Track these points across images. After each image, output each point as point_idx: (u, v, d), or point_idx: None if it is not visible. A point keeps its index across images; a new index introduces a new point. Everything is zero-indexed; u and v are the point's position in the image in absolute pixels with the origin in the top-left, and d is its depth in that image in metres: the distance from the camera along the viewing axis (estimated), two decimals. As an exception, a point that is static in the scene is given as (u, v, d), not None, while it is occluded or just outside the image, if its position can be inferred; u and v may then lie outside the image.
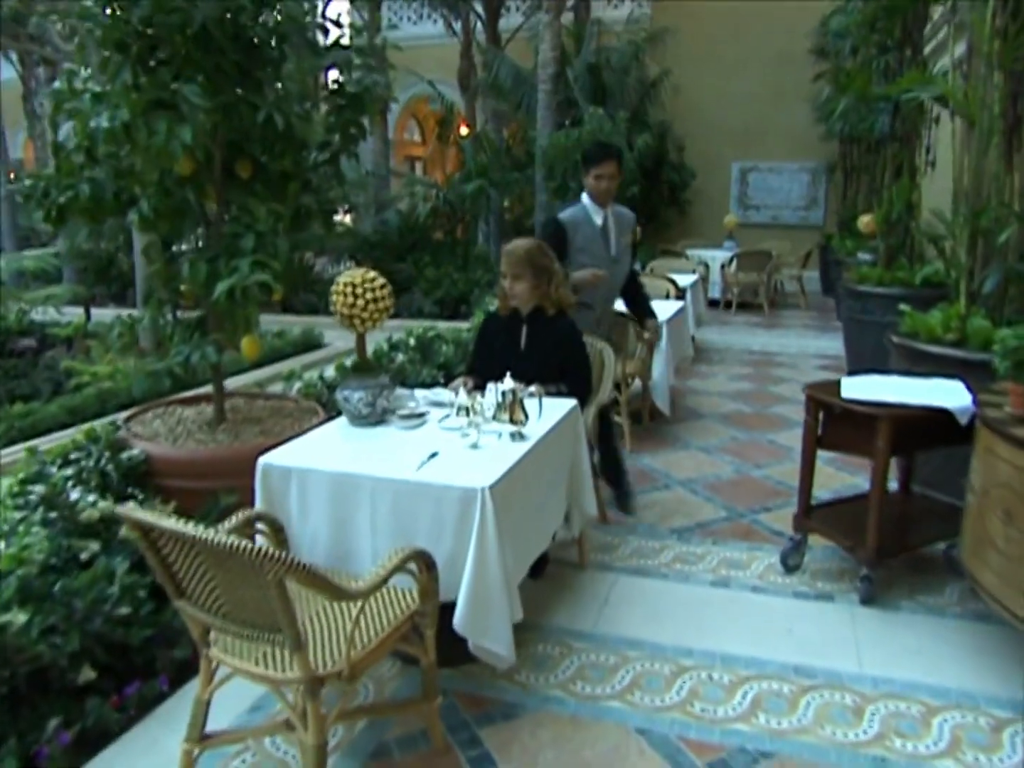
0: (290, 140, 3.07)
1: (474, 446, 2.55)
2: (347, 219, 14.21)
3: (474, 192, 11.27)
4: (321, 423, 3.11)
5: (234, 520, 2.28)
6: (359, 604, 1.91)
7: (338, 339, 8.29)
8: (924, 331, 4.10)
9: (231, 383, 6.81)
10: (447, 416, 2.85)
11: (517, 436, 2.63)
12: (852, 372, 6.39)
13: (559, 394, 3.17)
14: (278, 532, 2.43)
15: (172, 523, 1.71)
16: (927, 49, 7.08)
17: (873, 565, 3.11)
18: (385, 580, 1.97)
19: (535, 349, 3.29)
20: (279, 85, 3.11)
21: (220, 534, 1.66)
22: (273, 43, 3.06)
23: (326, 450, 2.62)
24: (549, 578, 3.34)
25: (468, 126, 15.30)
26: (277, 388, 4.59)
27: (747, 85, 13.57)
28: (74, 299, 9.43)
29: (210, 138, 3.01)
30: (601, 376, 3.61)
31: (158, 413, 3.68)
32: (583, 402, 3.29)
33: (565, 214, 3.97)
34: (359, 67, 3.28)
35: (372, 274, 2.69)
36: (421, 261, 11.79)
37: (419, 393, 3.16)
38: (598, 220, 3.95)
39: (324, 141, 3.44)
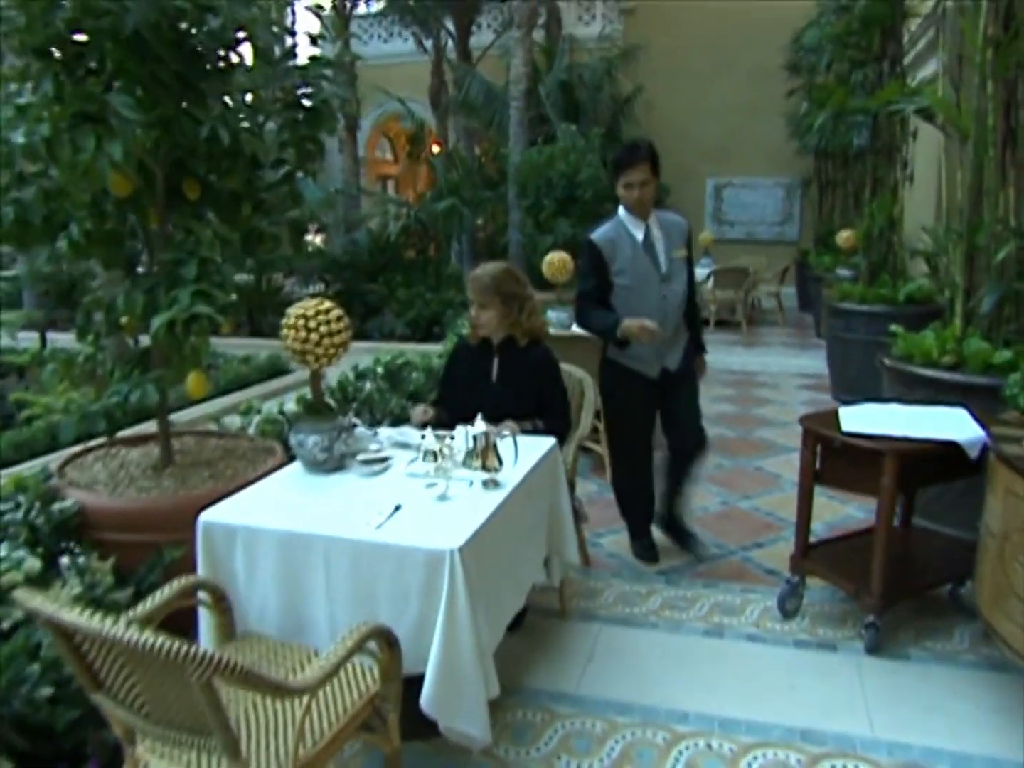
0: (238, 157, 2.80)
1: (442, 497, 2.28)
2: (318, 239, 13.92)
3: (446, 210, 11.03)
4: (276, 468, 2.83)
5: (167, 592, 1.98)
6: (306, 700, 1.63)
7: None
8: (918, 353, 3.90)
9: (189, 414, 6.49)
10: (414, 460, 2.57)
11: (490, 484, 2.36)
12: (843, 397, 6.20)
13: (535, 431, 2.91)
14: (220, 601, 2.14)
15: (74, 617, 1.42)
16: (905, 61, 6.97)
17: (880, 612, 2.87)
18: (338, 668, 1.69)
19: (508, 381, 3.03)
20: (227, 98, 2.84)
21: (133, 630, 1.37)
22: (221, 52, 2.79)
23: (276, 503, 2.33)
24: (527, 630, 3.07)
25: (439, 144, 15.10)
26: (237, 421, 4.28)
27: (721, 101, 13.49)
28: (30, 324, 9.03)
29: (150, 155, 2.73)
30: (581, 408, 3.35)
31: (100, 455, 3.36)
32: (562, 439, 3.03)
33: (598, 233, 3.38)
34: (316, 78, 3.01)
35: (327, 305, 2.42)
36: (393, 281, 11.51)
37: (383, 432, 2.88)
38: (638, 234, 3.35)
39: (278, 159, 3.17)
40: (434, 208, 11.23)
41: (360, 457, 2.56)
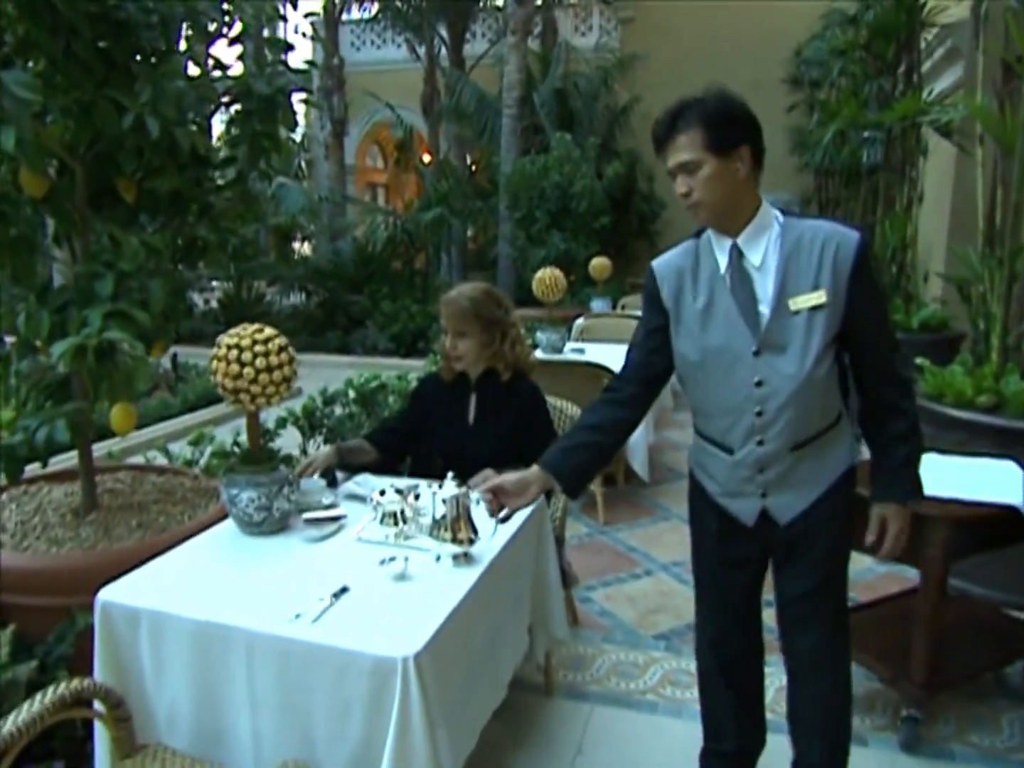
0: (175, 153, 2.36)
1: (401, 577, 1.83)
2: (306, 247, 13.49)
3: (434, 220, 10.61)
4: (215, 519, 2.38)
5: (37, 705, 1.53)
6: None
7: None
8: (950, 392, 3.48)
9: (144, 435, 6.04)
10: (371, 520, 2.12)
11: (461, 560, 1.91)
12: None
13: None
14: (116, 708, 1.69)
15: None
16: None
17: (922, 703, 2.44)
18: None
19: (487, 423, 2.59)
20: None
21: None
22: (157, 28, 2.36)
23: (194, 578, 1.88)
24: (504, 710, 2.61)
25: (430, 153, 14.71)
26: (187, 451, 3.82)
27: (719, 115, 13.13)
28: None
29: (65, 148, 2.29)
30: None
31: (15, 495, 2.90)
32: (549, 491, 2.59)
33: (662, 259, 1.89)
34: (270, 64, 2.59)
35: (267, 332, 1.98)
36: (377, 293, 11.07)
37: (327, 496, 2.40)
38: (722, 259, 1.77)
39: (228, 156, 2.74)
40: (422, 218, 10.82)
41: (306, 516, 2.11)
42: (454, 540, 1.88)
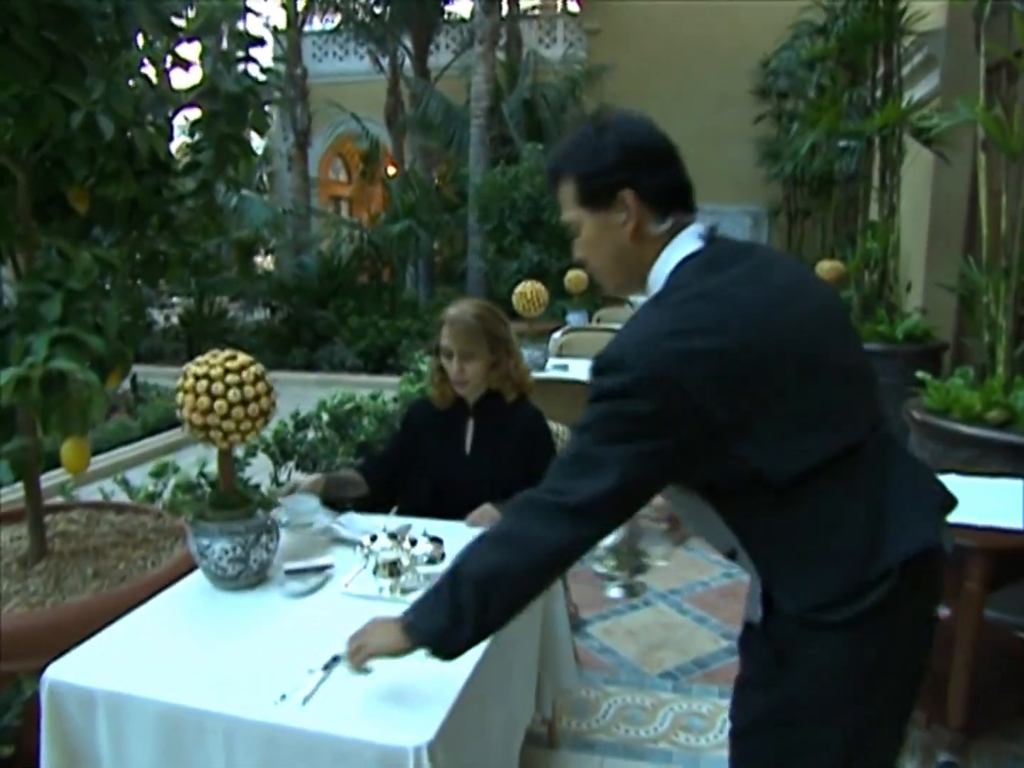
0: (129, 158, 2.11)
1: (403, 641, 1.59)
2: (268, 261, 13.12)
3: (401, 233, 10.36)
4: (181, 567, 2.12)
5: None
6: None
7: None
8: (958, 408, 3.33)
9: (98, 462, 5.69)
10: (362, 569, 1.88)
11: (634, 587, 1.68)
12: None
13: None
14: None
15: None
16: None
17: (960, 748, 2.25)
18: None
19: (486, 452, 2.36)
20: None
21: None
22: (111, 18, 2.11)
23: (161, 648, 1.61)
24: None
25: (395, 165, 14.46)
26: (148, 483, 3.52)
27: (686, 126, 12.95)
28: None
29: (5, 150, 2.03)
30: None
31: (-45, 540, 2.60)
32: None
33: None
34: (238, 60, 2.34)
35: (240, 360, 1.73)
36: (344, 308, 10.77)
37: (321, 519, 2.18)
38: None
39: (191, 162, 2.49)
40: (389, 231, 10.56)
41: (288, 567, 1.86)
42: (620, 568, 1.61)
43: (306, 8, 13.74)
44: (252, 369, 1.72)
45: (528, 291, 4.73)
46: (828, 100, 6.21)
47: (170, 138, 2.48)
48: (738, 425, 1.14)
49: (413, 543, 1.82)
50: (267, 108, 2.45)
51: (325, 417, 4.24)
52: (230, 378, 1.67)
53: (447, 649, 1.28)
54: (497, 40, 11.06)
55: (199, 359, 1.72)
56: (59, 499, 3.10)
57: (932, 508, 1.29)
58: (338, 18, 15.20)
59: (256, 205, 10.07)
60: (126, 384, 7.34)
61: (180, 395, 1.70)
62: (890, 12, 5.84)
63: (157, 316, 11.63)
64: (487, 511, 2.16)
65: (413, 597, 1.71)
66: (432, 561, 1.79)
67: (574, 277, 7.14)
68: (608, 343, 1.21)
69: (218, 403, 1.66)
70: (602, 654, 3.13)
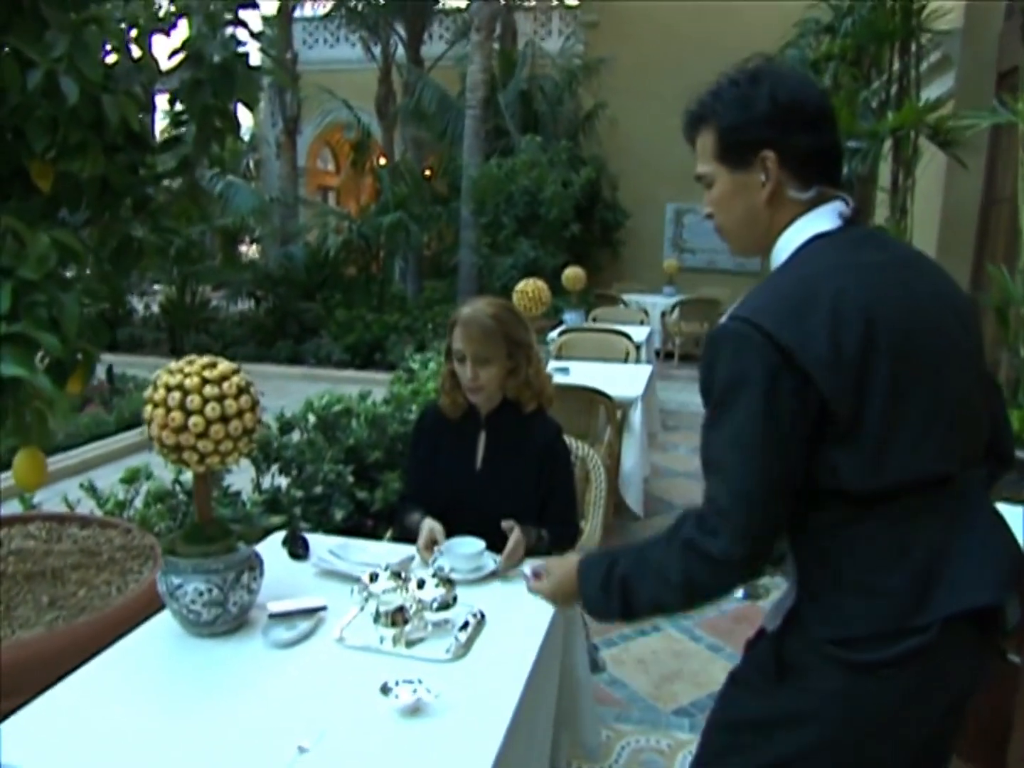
0: (98, 128, 1.83)
1: (413, 711, 1.32)
2: (253, 250, 12.77)
3: (392, 225, 10.06)
4: (149, 599, 1.84)
5: None
6: None
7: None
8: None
9: (68, 457, 5.39)
10: (358, 614, 1.61)
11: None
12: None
13: (539, 548, 1.99)
14: None
15: None
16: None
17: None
18: None
19: (498, 469, 2.09)
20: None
21: None
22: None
23: (116, 718, 1.34)
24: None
25: (385, 156, 14.14)
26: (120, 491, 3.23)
27: (684, 123, 12.87)
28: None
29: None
30: (590, 502, 2.44)
31: None
32: (565, 551, 2.12)
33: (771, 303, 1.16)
34: (226, 23, 2.07)
35: (221, 368, 1.45)
36: (331, 300, 10.46)
37: (489, 563, 1.87)
38: None
39: (171, 137, 2.21)
40: (379, 222, 10.25)
41: (272, 609, 1.59)
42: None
43: (297, -9, 13.41)
44: (235, 380, 1.45)
45: (530, 289, 4.48)
46: (842, 99, 5.97)
47: (151, 111, 2.21)
48: (845, 419, 1.05)
49: (421, 584, 1.56)
50: (259, 69, 2.16)
51: (312, 419, 3.96)
52: (208, 390, 1.40)
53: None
54: (494, 29, 10.76)
55: (172, 366, 1.45)
56: (17, 508, 2.81)
57: (1000, 570, 1.13)
58: (330, 4, 14.85)
59: (242, 192, 9.74)
60: (101, 375, 7.00)
61: (149, 409, 1.42)
62: (907, 8, 5.63)
63: (137, 304, 11.28)
64: (512, 535, 1.91)
65: (420, 650, 1.46)
66: (444, 607, 1.53)
67: (572, 275, 6.89)
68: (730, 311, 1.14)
69: (193, 420, 1.39)
70: (612, 687, 2.88)
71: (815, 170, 1.17)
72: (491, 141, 10.54)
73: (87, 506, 3.09)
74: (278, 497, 3.51)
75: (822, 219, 1.16)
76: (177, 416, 1.39)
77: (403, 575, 1.59)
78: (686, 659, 3.07)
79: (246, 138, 17.01)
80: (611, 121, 11.94)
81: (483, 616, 1.62)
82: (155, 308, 11.06)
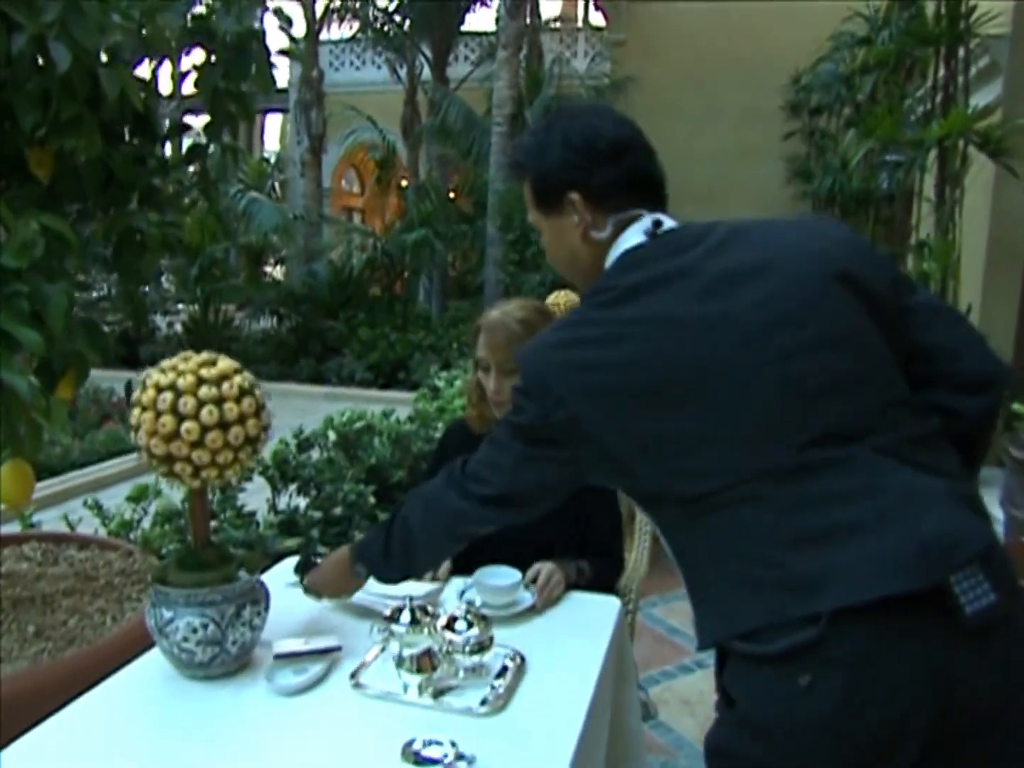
0: (95, 105, 1.65)
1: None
2: (277, 271, 12.69)
3: (417, 242, 9.92)
4: (142, 638, 1.62)
5: None
6: None
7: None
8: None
9: (78, 477, 5.23)
10: (382, 651, 1.39)
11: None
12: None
13: (580, 583, 1.75)
14: None
15: None
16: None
17: None
18: None
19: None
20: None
21: None
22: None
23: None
24: None
25: (407, 178, 14.07)
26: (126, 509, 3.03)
27: (713, 142, 12.68)
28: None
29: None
30: (634, 531, 2.20)
31: None
32: (610, 587, 1.89)
33: None
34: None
35: (221, 366, 1.25)
36: (354, 319, 10.32)
37: (526, 598, 1.65)
38: None
39: (180, 125, 2.03)
40: (404, 239, 10.12)
41: (278, 649, 1.37)
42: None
43: (324, 15, 13.43)
44: (236, 380, 1.24)
45: (561, 301, 4.24)
46: (885, 108, 5.75)
47: (155, 92, 2.03)
48: (627, 441, 1.07)
49: (451, 623, 1.33)
50: (283, 53, 1.98)
51: (332, 436, 3.75)
52: (204, 391, 1.19)
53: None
54: (521, 46, 10.66)
55: (164, 363, 1.25)
56: (16, 527, 2.63)
57: (905, 550, 0.96)
58: (357, 25, 14.89)
59: (266, 208, 9.65)
60: (120, 392, 6.87)
61: (136, 413, 1.22)
62: (955, 11, 5.40)
63: (160, 322, 11.21)
64: (549, 575, 1.68)
65: (450, 700, 1.23)
66: (479, 649, 1.30)
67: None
68: None
69: (187, 426, 1.18)
70: (656, 730, 2.62)
71: (626, 199, 1.18)
72: (517, 159, 10.41)
73: (92, 525, 2.91)
74: (295, 519, 3.30)
75: (627, 240, 1.17)
76: (168, 421, 1.18)
77: (431, 611, 1.37)
78: (735, 700, 2.81)
79: (271, 159, 17.10)
80: (638, 139, 11.78)
81: (523, 660, 1.38)
82: (178, 327, 10.99)
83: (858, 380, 1.04)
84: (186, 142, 2.10)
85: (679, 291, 1.07)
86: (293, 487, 3.58)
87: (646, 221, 1.16)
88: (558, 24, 16.88)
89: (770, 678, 0.99)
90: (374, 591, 1.60)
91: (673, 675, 2.97)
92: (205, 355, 1.25)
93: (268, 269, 12.20)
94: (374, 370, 9.28)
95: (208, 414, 1.18)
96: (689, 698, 2.82)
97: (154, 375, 1.23)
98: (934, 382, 1.13)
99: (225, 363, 1.25)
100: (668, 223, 1.17)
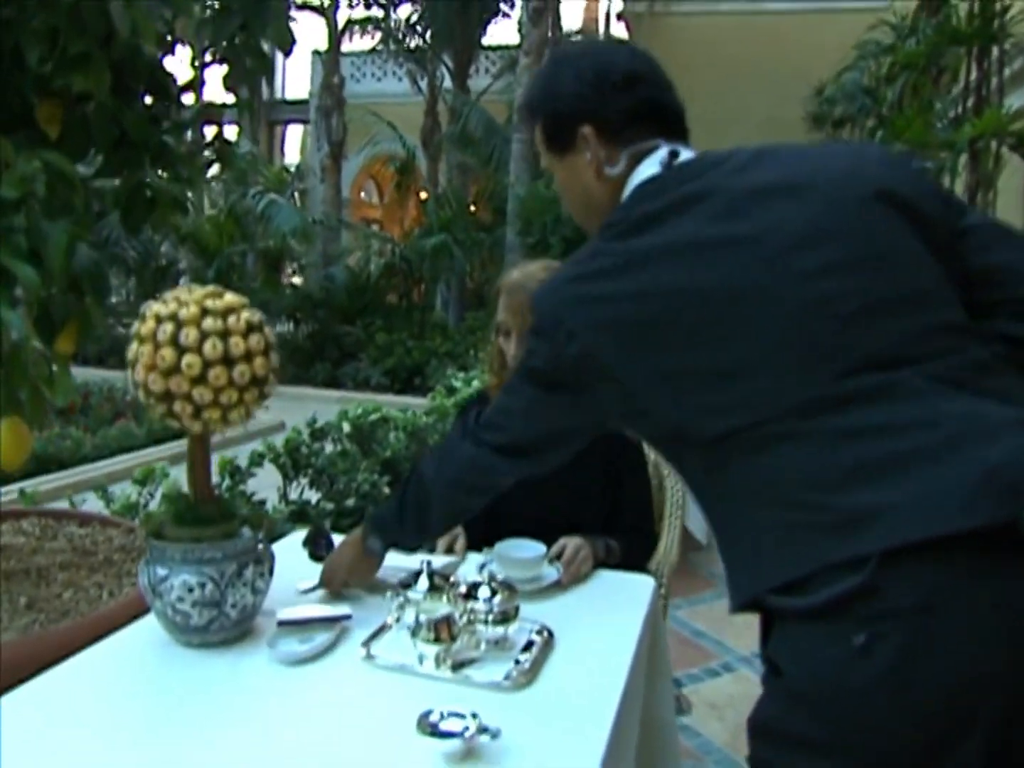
0: (104, 43, 1.56)
1: (466, 756, 0.97)
2: (295, 279, 12.67)
3: (436, 247, 9.85)
4: (140, 615, 1.52)
5: None
6: None
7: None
8: None
9: (87, 471, 5.16)
10: (389, 627, 1.27)
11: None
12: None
13: (609, 561, 1.63)
14: None
15: None
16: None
17: None
18: None
19: (560, 469, 1.75)
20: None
21: None
22: None
23: (69, 745, 1.01)
24: None
25: (426, 190, 14.06)
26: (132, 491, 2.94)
27: (734, 152, 12.61)
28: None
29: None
30: (665, 514, 2.07)
31: None
32: (641, 568, 1.76)
33: None
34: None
35: (228, 299, 1.14)
36: (372, 325, 10.26)
37: (550, 574, 1.55)
38: None
39: (193, 79, 1.94)
40: (422, 245, 10.06)
41: (282, 616, 1.25)
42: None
43: (346, 26, 13.50)
44: (244, 314, 1.13)
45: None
46: (915, 109, 5.63)
47: (170, 50, 1.95)
48: (645, 376, 0.99)
49: (472, 590, 1.21)
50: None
51: (346, 428, 3.65)
52: (209, 323, 1.09)
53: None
54: (543, 54, 10.63)
55: (167, 295, 1.14)
56: (18, 503, 2.53)
57: (998, 484, 0.82)
58: (378, 36, 14.96)
59: (284, 211, 9.62)
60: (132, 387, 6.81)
61: (134, 346, 1.11)
62: (988, 10, 5.28)
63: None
64: (578, 550, 1.56)
65: (470, 673, 1.11)
66: (503, 620, 1.18)
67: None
68: None
69: (188, 359, 1.07)
70: (683, 733, 2.47)
71: (641, 130, 1.11)
72: (538, 166, 10.34)
73: (96, 509, 2.81)
74: (305, 509, 3.20)
75: (643, 172, 1.09)
76: (168, 354, 1.07)
77: (450, 578, 1.25)
78: (764, 705, 2.66)
79: (292, 168, 17.15)
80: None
81: (551, 635, 1.26)
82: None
83: (903, 301, 0.93)
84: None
85: (699, 213, 0.99)
86: (305, 480, 3.47)
87: (662, 152, 1.09)
88: (579, 37, 16.90)
89: (819, 639, 0.86)
90: (389, 563, 1.49)
91: (700, 678, 2.83)
92: (212, 287, 1.15)
93: (286, 274, 12.19)
94: (390, 375, 9.20)
95: (211, 347, 1.08)
96: (716, 702, 2.68)
97: (156, 308, 1.12)
98: (996, 310, 1.00)
99: (232, 297, 1.15)
100: (686, 154, 1.09)
